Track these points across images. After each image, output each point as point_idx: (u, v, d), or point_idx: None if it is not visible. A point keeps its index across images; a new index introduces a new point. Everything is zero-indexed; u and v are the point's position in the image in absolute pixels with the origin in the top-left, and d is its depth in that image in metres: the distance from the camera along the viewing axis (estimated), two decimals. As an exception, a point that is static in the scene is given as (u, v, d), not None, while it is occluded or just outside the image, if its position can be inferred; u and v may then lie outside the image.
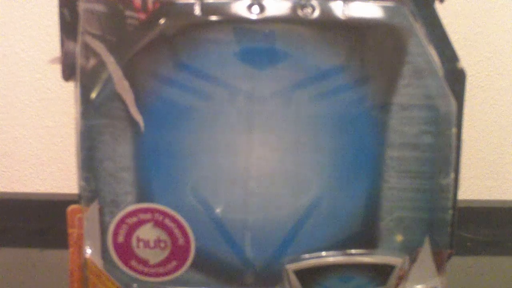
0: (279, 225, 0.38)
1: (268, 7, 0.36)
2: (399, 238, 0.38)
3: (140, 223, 0.38)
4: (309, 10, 0.36)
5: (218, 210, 0.38)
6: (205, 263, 0.38)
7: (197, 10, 0.35)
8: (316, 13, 0.36)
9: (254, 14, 0.36)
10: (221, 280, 0.38)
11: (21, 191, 0.66)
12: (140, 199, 0.37)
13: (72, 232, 0.40)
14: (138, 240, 0.38)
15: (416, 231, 0.38)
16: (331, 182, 0.38)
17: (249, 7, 0.36)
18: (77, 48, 0.36)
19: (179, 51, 0.36)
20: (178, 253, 0.38)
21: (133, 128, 0.37)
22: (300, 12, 0.36)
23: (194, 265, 0.38)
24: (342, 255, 0.38)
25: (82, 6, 0.36)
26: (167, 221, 0.38)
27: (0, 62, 0.63)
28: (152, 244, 0.38)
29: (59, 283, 0.51)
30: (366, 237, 0.38)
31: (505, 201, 0.65)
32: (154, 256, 0.38)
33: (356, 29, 0.36)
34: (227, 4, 0.36)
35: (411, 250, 0.39)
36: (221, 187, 0.37)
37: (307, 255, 0.38)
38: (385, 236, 0.38)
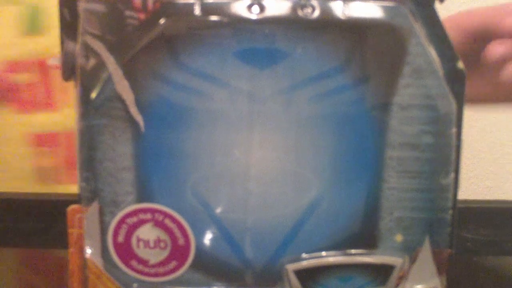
0: (279, 225, 0.38)
1: (268, 7, 0.36)
2: (399, 238, 0.38)
3: (140, 223, 0.38)
4: (309, 10, 0.36)
5: (218, 210, 0.38)
6: (205, 263, 0.38)
7: (197, 10, 0.35)
8: (316, 13, 0.36)
9: (254, 14, 0.36)
10: (221, 280, 0.39)
11: (21, 191, 0.66)
12: (140, 199, 0.37)
13: (72, 232, 0.40)
14: (138, 240, 0.38)
15: (416, 231, 0.38)
16: (331, 182, 0.38)
17: (249, 7, 0.36)
18: (77, 48, 0.36)
19: (179, 51, 0.36)
20: (178, 253, 0.38)
21: (133, 128, 0.37)
22: (300, 12, 0.36)
23: (194, 265, 0.38)
24: (342, 255, 0.38)
25: (82, 6, 0.36)
26: (167, 221, 0.38)
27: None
28: (152, 244, 0.38)
29: (59, 283, 0.51)
30: (366, 237, 0.38)
31: (505, 201, 0.65)
32: (154, 256, 0.38)
33: (356, 29, 0.36)
34: (227, 4, 0.36)
35: (411, 250, 0.39)
36: (221, 187, 0.37)
37: (307, 255, 0.38)
38: (385, 236, 0.38)
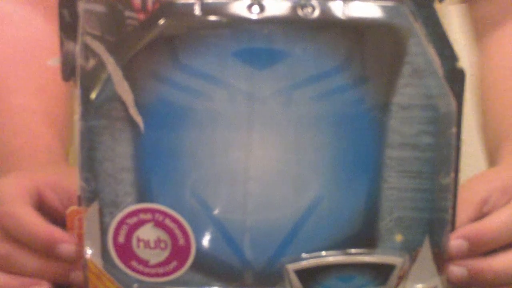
0: (279, 225, 0.38)
1: (268, 7, 0.36)
2: (399, 238, 0.38)
3: (140, 223, 0.38)
4: (309, 10, 0.36)
5: (217, 211, 0.38)
6: (205, 264, 0.38)
7: (197, 10, 0.35)
8: (316, 13, 0.36)
9: (254, 14, 0.36)
10: (221, 280, 0.38)
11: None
12: (140, 200, 0.37)
13: (72, 233, 0.40)
14: (138, 240, 0.38)
15: (416, 231, 0.38)
16: (331, 182, 0.38)
17: (249, 7, 0.36)
18: (77, 49, 0.36)
19: (179, 51, 0.36)
20: (178, 254, 0.38)
21: (133, 129, 0.37)
22: (300, 12, 0.36)
23: (194, 265, 0.38)
24: (342, 254, 0.38)
25: (82, 6, 0.36)
26: (167, 222, 0.38)
27: None
28: (152, 244, 0.38)
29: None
30: (366, 237, 0.38)
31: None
32: (154, 257, 0.38)
33: (356, 29, 0.36)
34: (227, 4, 0.36)
35: (411, 250, 0.39)
36: (220, 188, 0.37)
37: (307, 255, 0.38)
38: (385, 236, 0.38)
